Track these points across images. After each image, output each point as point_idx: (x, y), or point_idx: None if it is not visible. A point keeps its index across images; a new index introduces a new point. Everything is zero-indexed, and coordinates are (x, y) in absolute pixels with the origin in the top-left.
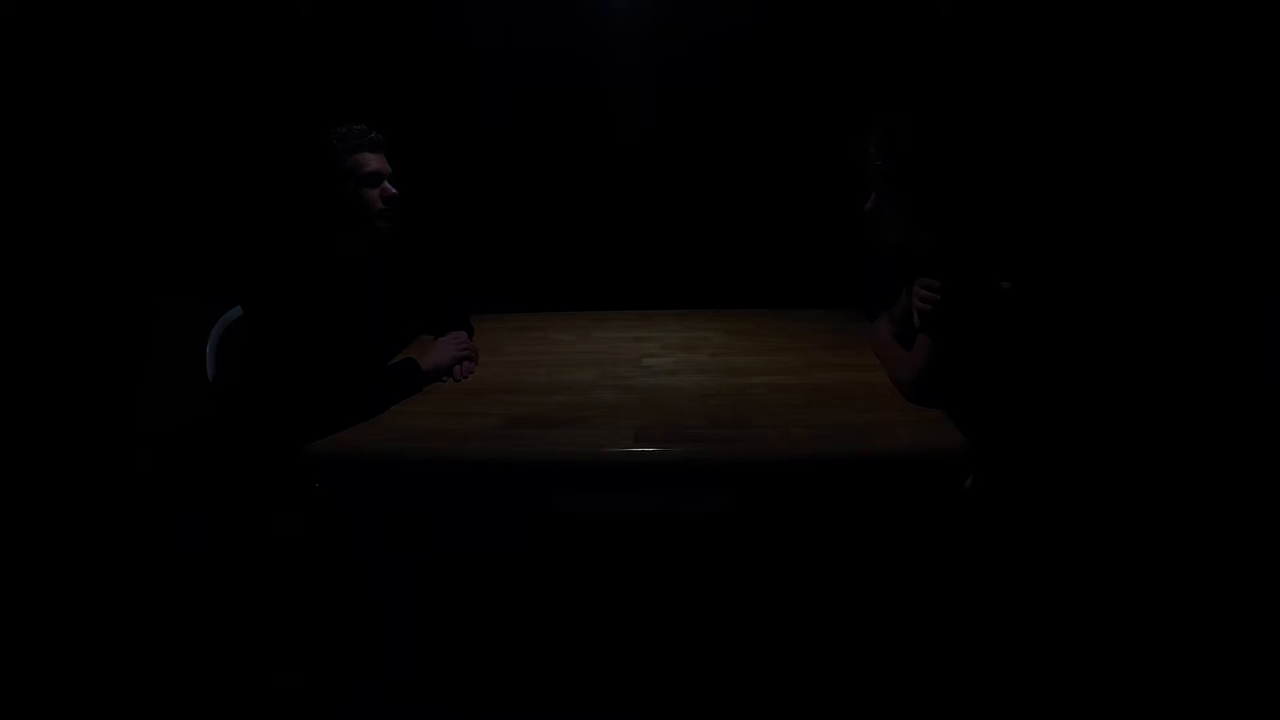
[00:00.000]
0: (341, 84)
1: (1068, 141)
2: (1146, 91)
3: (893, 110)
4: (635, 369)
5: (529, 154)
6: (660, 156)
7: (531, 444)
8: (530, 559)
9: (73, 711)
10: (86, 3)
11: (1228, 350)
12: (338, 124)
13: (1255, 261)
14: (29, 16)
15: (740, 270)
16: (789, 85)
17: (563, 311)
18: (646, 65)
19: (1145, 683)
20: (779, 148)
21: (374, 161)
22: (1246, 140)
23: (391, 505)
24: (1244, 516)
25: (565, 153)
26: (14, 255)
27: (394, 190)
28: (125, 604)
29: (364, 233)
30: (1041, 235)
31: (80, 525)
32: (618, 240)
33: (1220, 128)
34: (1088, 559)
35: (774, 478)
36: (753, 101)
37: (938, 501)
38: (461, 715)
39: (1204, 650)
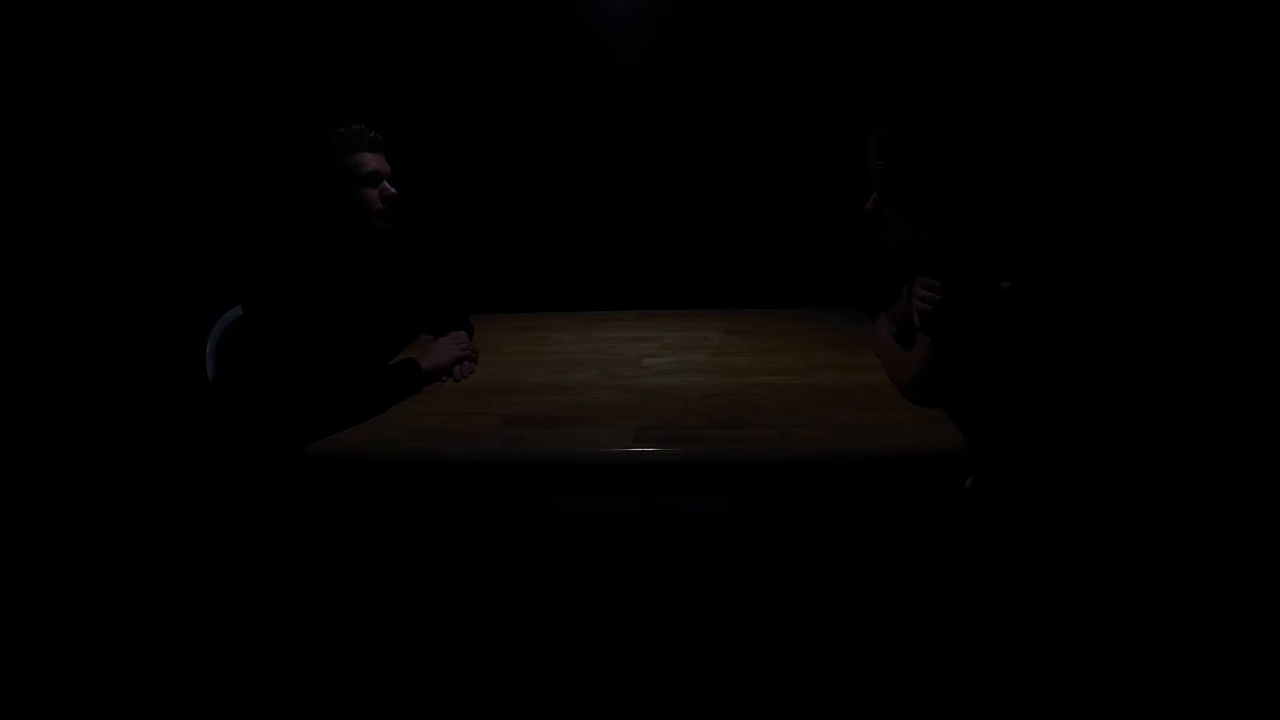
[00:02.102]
0: (341, 84)
1: (1068, 142)
2: (1146, 91)
3: (893, 110)
4: (635, 369)
5: (529, 154)
6: (660, 156)
7: (531, 444)
8: (530, 559)
9: (73, 711)
10: (86, 3)
11: (1228, 350)
12: (337, 124)
13: (1255, 261)
14: (29, 16)
15: (740, 270)
16: (789, 86)
17: (563, 311)
18: (646, 65)
19: (1145, 682)
20: (779, 148)
21: (373, 161)
22: (1246, 140)
23: (391, 505)
24: (1243, 516)
25: (565, 153)
26: (14, 255)
27: (393, 190)
28: (125, 604)
29: (364, 232)
30: (1042, 235)
31: (80, 525)
32: (618, 240)
33: (1220, 128)
34: (1087, 558)
35: (774, 478)
36: (753, 102)
37: (938, 501)
38: (461, 715)
39: (1204, 649)
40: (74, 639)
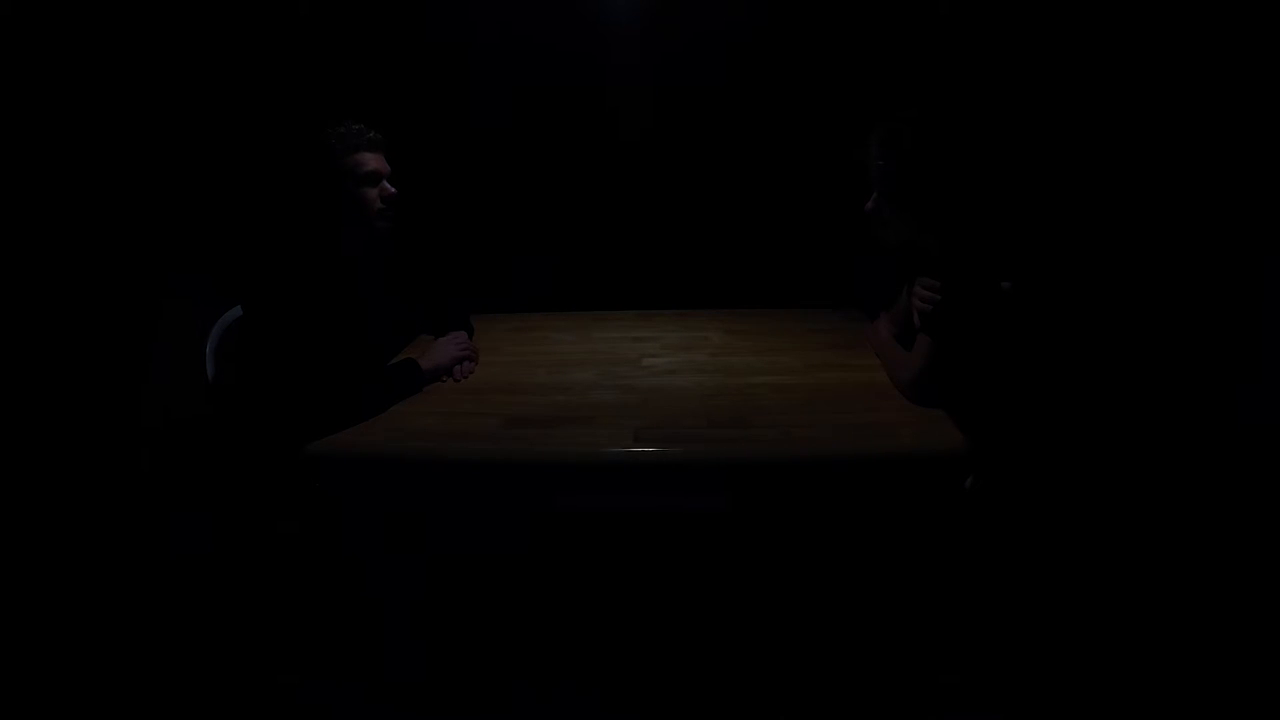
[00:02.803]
0: (341, 84)
1: (1068, 141)
2: (1146, 91)
3: (893, 110)
4: (635, 369)
5: (529, 154)
6: (660, 156)
7: (531, 444)
8: (530, 559)
9: (73, 711)
10: (87, 3)
11: (1228, 350)
12: (337, 124)
13: (1255, 261)
14: (29, 16)
15: (740, 270)
16: (789, 85)
17: (563, 311)
18: (646, 65)
19: (1145, 682)
20: (779, 147)
21: (373, 161)
22: (1246, 140)
23: (391, 505)
24: (1243, 515)
25: (565, 153)
26: (14, 255)
27: (393, 190)
28: (125, 604)
29: (364, 232)
30: (1042, 235)
31: (80, 525)
32: (617, 240)
33: (1220, 127)
34: (1087, 558)
35: (774, 478)
36: (753, 101)
37: (938, 501)
38: (461, 715)
39: (1204, 649)
40: (74, 639)
